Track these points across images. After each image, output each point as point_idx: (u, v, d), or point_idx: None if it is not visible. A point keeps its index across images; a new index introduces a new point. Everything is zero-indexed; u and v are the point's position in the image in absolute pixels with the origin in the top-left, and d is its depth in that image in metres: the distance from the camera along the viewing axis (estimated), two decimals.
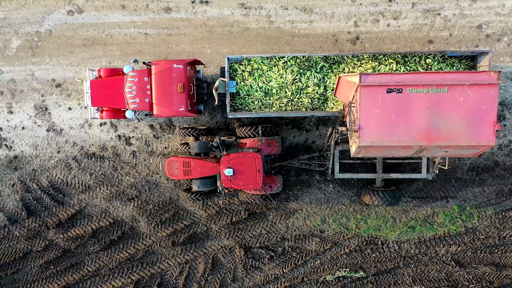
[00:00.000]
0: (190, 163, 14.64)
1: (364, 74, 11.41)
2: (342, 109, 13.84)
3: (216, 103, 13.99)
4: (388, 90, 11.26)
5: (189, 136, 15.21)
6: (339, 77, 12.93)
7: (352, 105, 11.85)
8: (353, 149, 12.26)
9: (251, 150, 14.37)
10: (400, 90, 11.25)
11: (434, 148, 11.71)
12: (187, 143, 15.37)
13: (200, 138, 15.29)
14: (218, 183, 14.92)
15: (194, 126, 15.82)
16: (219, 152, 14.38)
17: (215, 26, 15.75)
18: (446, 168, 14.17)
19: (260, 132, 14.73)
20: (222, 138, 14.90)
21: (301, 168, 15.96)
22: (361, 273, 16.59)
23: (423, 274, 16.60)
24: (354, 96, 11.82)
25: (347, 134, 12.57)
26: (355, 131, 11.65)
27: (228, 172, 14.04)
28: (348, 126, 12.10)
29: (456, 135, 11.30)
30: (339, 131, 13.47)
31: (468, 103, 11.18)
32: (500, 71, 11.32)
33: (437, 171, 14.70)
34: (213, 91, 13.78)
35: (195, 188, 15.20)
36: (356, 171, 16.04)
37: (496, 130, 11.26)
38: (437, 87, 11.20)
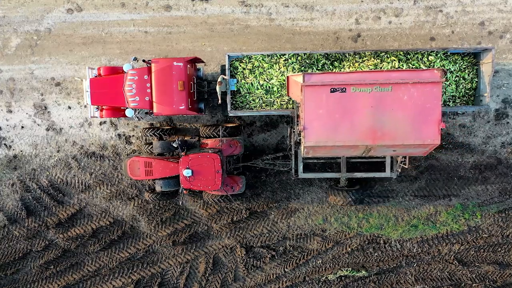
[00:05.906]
0: (152, 163, 14.49)
1: (308, 74, 11.27)
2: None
3: (220, 101, 13.87)
4: (332, 89, 11.11)
5: (152, 136, 14.97)
6: (287, 76, 12.79)
7: (299, 104, 11.67)
8: (302, 149, 12.14)
9: (210, 151, 14.16)
10: (344, 89, 11.11)
11: (380, 148, 11.56)
12: (151, 143, 15.17)
13: (164, 138, 15.08)
14: None
15: (158, 126, 15.64)
16: (180, 152, 14.21)
17: (215, 24, 15.66)
18: (407, 166, 14.04)
19: (220, 132, 14.46)
20: (185, 138, 14.69)
21: (266, 168, 15.69)
22: (363, 272, 16.50)
23: (425, 273, 16.49)
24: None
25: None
26: (300, 131, 11.51)
27: (186, 172, 13.85)
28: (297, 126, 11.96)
29: (401, 134, 11.17)
30: (296, 130, 13.30)
31: (412, 101, 11.04)
32: (443, 69, 11.19)
33: (399, 170, 14.58)
34: (217, 86, 13.64)
35: (158, 188, 14.97)
36: (323, 171, 15.87)
37: (441, 129, 11.12)
38: (380, 86, 11.04)
